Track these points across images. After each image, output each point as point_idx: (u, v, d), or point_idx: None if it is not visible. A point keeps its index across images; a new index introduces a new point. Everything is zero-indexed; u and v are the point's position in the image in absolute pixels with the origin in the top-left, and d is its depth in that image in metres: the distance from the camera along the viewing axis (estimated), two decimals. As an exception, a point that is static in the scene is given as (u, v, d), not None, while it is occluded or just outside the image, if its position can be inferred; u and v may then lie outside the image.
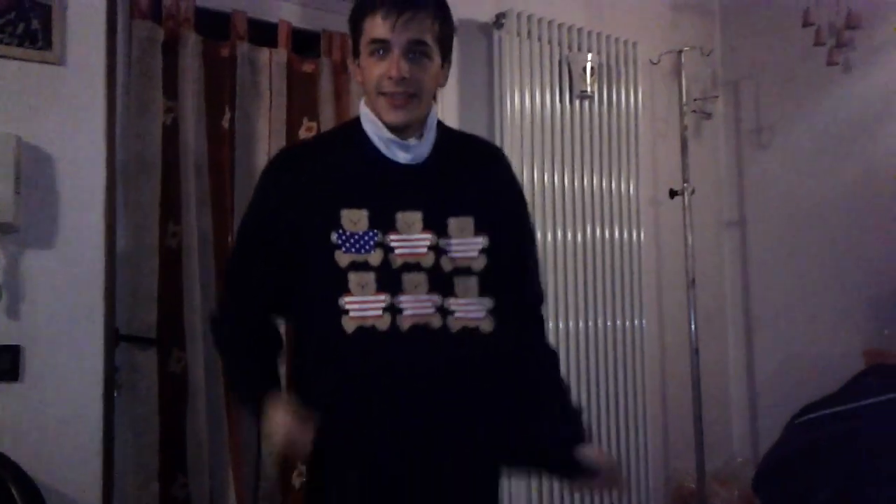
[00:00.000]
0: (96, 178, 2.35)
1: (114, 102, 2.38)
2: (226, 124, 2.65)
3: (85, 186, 2.33)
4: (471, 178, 1.58)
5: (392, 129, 1.50)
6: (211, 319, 1.74)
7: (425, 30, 1.47)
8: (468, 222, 1.52)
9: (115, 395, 2.40)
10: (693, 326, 3.50)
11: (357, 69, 1.54)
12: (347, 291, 1.44)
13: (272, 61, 2.73)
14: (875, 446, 2.10)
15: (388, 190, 1.51)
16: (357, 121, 1.57)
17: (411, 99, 1.48)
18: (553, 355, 1.66)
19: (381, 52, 1.46)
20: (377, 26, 1.45)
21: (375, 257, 1.46)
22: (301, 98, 2.79)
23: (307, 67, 2.81)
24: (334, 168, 1.53)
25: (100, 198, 2.35)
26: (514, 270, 1.58)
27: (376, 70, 1.47)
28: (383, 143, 1.52)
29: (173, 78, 2.52)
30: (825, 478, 2.20)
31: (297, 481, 2.72)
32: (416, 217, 1.49)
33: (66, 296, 2.30)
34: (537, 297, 1.66)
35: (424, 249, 1.48)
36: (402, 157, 1.52)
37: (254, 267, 1.56)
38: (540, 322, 1.67)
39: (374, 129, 1.52)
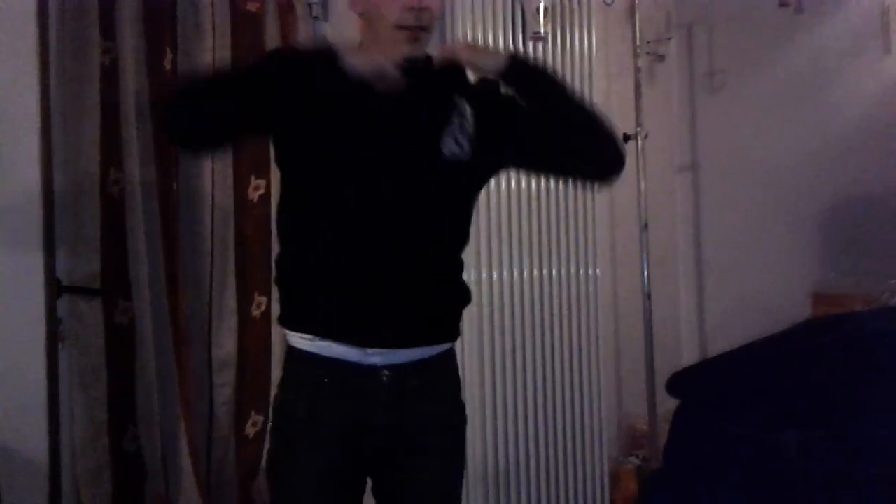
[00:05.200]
0: (31, 122, 2.25)
1: (46, 42, 2.28)
2: (168, 65, 2.55)
3: (18, 130, 2.24)
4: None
5: None
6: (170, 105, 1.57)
7: None
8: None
9: (59, 347, 2.33)
10: (645, 271, 3.52)
11: (361, 15, 1.50)
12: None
13: (215, 0, 2.62)
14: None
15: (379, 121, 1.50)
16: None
17: (426, 32, 1.48)
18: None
19: None
20: None
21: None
22: (246, 39, 2.68)
23: (252, 7, 2.70)
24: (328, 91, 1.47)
25: (35, 142, 2.26)
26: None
27: (395, 4, 1.44)
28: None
29: (110, 17, 2.40)
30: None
31: (250, 430, 2.69)
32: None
33: (5, 245, 2.22)
34: None
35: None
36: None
37: (240, 89, 1.47)
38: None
39: (383, 41, 1.49)
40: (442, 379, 1.62)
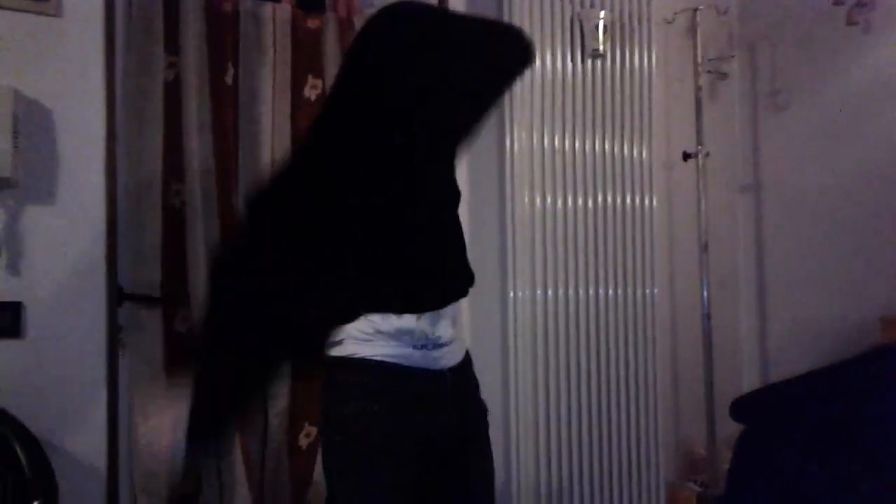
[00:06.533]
0: (97, 133, 2.31)
1: (113, 56, 2.34)
2: (229, 81, 2.60)
3: (85, 142, 2.30)
4: None
5: None
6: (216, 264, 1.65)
7: None
8: None
9: (120, 354, 2.38)
10: (705, 292, 3.44)
11: None
12: None
13: (276, 16, 2.67)
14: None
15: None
16: None
17: None
18: None
19: None
20: None
21: None
22: (306, 55, 2.73)
23: (312, 23, 2.75)
24: None
25: (100, 154, 2.32)
26: None
27: None
28: None
29: (175, 32, 2.47)
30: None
31: (304, 442, 2.70)
32: None
33: (68, 253, 2.27)
34: None
35: None
36: None
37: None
38: None
39: None
40: (473, 375, 1.69)
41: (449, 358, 1.58)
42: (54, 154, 2.25)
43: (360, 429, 1.50)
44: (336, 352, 1.53)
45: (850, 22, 3.38)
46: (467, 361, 1.66)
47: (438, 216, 1.59)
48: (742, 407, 2.66)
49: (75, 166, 2.28)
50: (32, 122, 2.20)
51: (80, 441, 2.27)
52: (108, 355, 2.33)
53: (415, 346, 1.52)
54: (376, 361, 1.50)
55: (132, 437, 2.39)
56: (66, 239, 2.27)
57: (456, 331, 1.62)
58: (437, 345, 1.55)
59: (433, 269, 1.57)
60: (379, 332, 1.51)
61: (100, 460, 2.31)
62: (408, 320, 1.52)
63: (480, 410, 1.68)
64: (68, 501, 2.14)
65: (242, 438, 2.56)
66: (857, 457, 2.31)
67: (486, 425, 1.68)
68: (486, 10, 3.10)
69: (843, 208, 3.52)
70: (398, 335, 1.51)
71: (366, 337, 1.51)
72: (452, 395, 1.58)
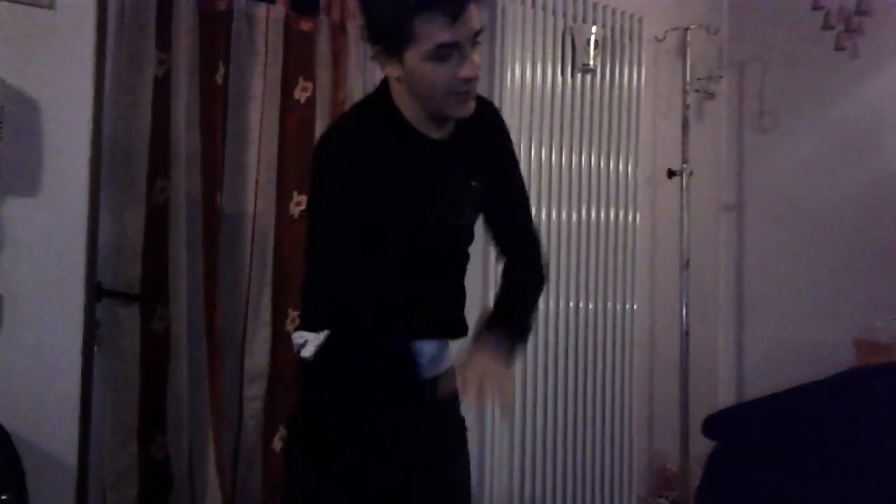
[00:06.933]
0: (83, 126, 2.29)
1: (103, 51, 2.32)
2: (219, 80, 2.59)
3: (71, 135, 2.28)
4: (476, 138, 1.60)
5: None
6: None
7: (477, 15, 1.41)
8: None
9: (96, 350, 2.36)
10: (685, 309, 3.47)
11: (394, 67, 1.43)
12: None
13: (269, 17, 2.67)
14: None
15: (429, 166, 1.53)
16: (388, 103, 1.52)
17: (475, 88, 1.47)
18: (533, 273, 1.73)
19: (449, 55, 1.39)
20: (441, 29, 1.35)
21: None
22: (297, 57, 2.72)
23: (305, 26, 2.75)
24: (385, 159, 1.50)
25: (86, 148, 2.30)
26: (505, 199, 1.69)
27: (444, 73, 1.40)
28: (423, 125, 1.52)
29: (167, 29, 2.46)
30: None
31: (277, 445, 2.69)
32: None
33: (49, 246, 2.25)
34: (528, 215, 1.77)
35: None
36: (436, 134, 1.54)
37: (351, 245, 1.52)
38: (532, 240, 1.74)
39: (415, 119, 1.51)
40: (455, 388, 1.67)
41: (427, 368, 1.58)
42: (39, 146, 2.23)
43: (319, 427, 1.55)
44: (305, 352, 1.56)
45: (839, 47, 3.42)
46: (450, 374, 1.64)
47: (438, 271, 1.60)
48: (713, 424, 2.68)
49: (60, 159, 2.26)
50: (18, 113, 2.18)
51: (52, 437, 2.25)
52: (84, 351, 2.31)
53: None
54: (341, 364, 1.53)
55: (104, 434, 2.37)
56: (47, 232, 2.25)
57: (440, 349, 1.63)
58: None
59: (419, 313, 1.57)
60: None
61: (71, 456, 2.28)
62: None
63: (459, 425, 1.68)
64: (37, 497, 2.12)
65: (216, 437, 2.55)
66: (825, 475, 2.33)
67: (463, 440, 1.69)
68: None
69: (823, 231, 3.56)
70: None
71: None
72: (426, 405, 1.58)
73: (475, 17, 1.39)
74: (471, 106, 1.47)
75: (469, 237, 1.67)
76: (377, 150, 1.50)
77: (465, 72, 1.40)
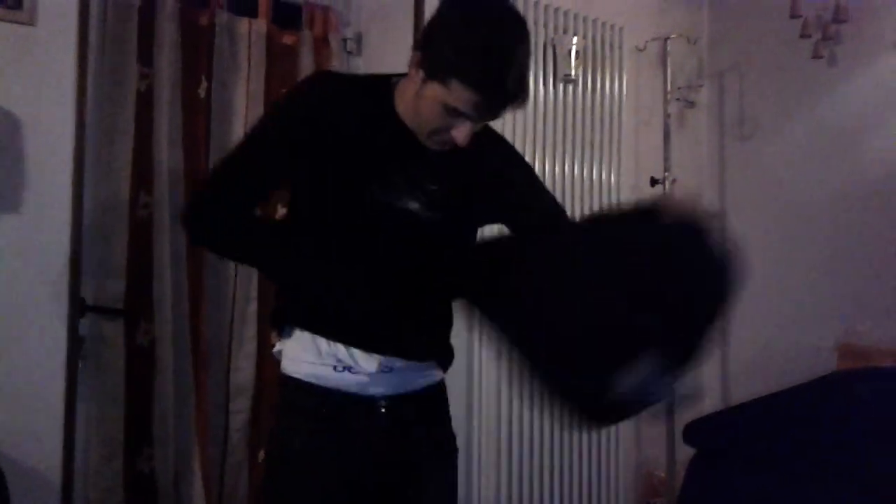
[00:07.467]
0: (65, 143, 2.29)
1: (85, 66, 2.32)
2: (202, 94, 2.59)
3: (53, 151, 2.28)
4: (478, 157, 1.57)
5: None
6: (189, 214, 1.58)
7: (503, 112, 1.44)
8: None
9: (80, 366, 2.35)
10: (669, 316, 3.48)
11: (418, 74, 1.43)
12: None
13: (252, 32, 2.67)
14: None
15: (417, 172, 1.51)
16: (390, 98, 1.51)
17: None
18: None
19: (458, 116, 1.41)
20: (467, 101, 1.38)
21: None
22: (280, 71, 2.73)
23: (287, 40, 2.76)
24: (365, 138, 1.50)
25: (68, 164, 2.30)
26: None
27: (441, 121, 1.43)
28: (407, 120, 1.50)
29: (149, 44, 2.46)
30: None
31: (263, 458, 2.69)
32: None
33: (31, 262, 2.25)
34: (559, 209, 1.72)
35: None
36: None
37: (263, 167, 1.51)
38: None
39: (403, 113, 1.50)
40: (436, 408, 1.66)
41: (386, 386, 1.54)
42: (21, 162, 2.23)
43: (280, 445, 1.58)
44: (281, 368, 1.60)
45: (816, 55, 3.47)
46: (428, 393, 1.61)
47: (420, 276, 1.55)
48: (695, 430, 2.70)
49: (42, 175, 2.26)
50: (0, 129, 2.18)
51: (36, 453, 2.24)
52: (68, 367, 2.31)
53: (335, 368, 1.52)
54: (295, 379, 1.55)
55: (89, 449, 2.36)
56: (30, 247, 2.24)
57: (412, 365, 1.57)
58: (368, 372, 1.52)
59: (392, 322, 1.54)
60: (305, 349, 1.54)
61: (55, 473, 2.28)
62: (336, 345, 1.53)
63: (438, 452, 1.63)
64: (22, 515, 2.11)
65: (202, 451, 2.55)
66: (808, 478, 2.34)
67: (443, 461, 1.64)
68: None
69: (805, 237, 3.59)
70: (322, 355, 1.53)
71: (293, 354, 1.56)
72: (386, 423, 1.54)
73: (500, 114, 1.43)
74: (445, 147, 1.48)
75: (448, 240, 1.58)
76: (353, 113, 1.49)
77: (457, 136, 1.43)
